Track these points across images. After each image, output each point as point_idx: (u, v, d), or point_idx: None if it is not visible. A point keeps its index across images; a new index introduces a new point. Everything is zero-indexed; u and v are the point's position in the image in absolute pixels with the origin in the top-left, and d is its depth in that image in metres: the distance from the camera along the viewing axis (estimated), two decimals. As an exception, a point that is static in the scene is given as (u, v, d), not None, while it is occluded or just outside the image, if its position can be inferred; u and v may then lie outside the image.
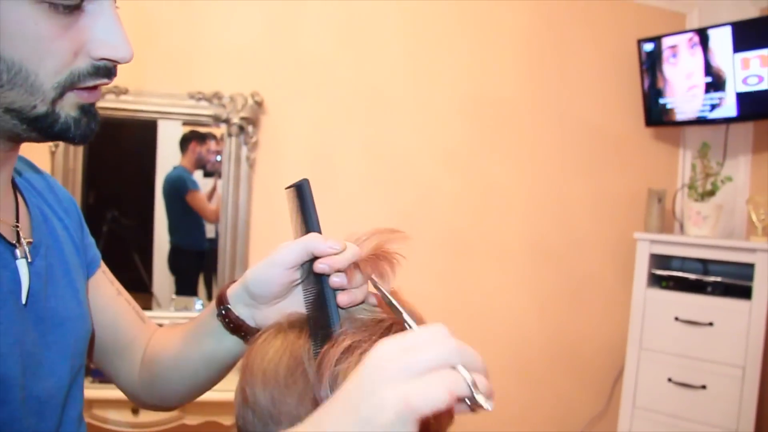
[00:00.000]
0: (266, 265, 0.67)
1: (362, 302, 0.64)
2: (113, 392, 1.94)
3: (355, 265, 0.63)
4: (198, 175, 2.43)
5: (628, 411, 2.41)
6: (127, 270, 2.40)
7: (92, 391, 1.99)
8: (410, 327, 0.55)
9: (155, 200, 2.41)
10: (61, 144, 2.18)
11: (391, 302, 0.59)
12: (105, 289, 0.84)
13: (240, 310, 0.72)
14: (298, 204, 0.68)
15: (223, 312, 0.72)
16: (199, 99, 2.29)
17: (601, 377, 2.68)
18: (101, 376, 2.00)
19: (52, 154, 2.19)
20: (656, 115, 2.52)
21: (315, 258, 0.64)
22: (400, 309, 0.57)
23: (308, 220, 0.67)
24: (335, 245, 0.62)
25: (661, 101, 2.49)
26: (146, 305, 2.41)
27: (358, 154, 2.46)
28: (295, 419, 0.58)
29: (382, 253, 0.65)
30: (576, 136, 2.62)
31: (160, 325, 0.91)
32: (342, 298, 0.62)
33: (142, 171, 2.43)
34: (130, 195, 2.52)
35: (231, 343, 0.74)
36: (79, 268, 0.78)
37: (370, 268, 0.63)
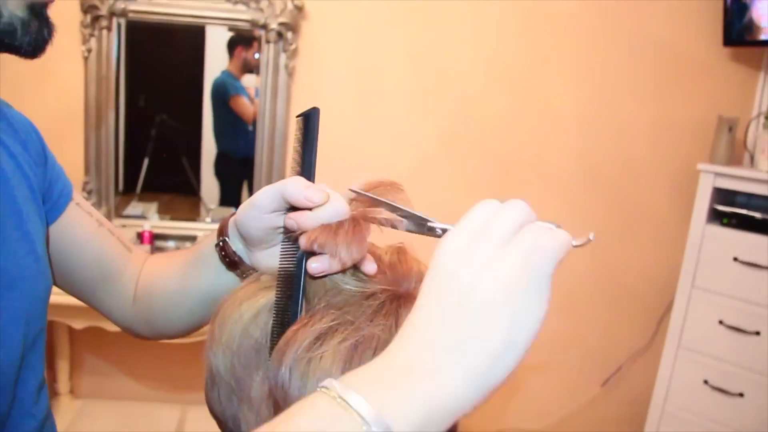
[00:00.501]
0: (248, 205, 0.59)
1: (344, 271, 0.52)
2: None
3: (336, 228, 0.51)
4: (250, 79, 2.38)
5: (673, 350, 2.30)
6: (176, 173, 2.48)
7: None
8: (436, 227, 0.47)
9: (203, 105, 2.42)
10: (94, 49, 2.11)
11: (394, 206, 0.49)
12: (83, 222, 0.77)
13: (237, 245, 0.64)
14: (301, 137, 0.57)
15: (221, 244, 0.65)
16: (236, 2, 2.17)
17: (648, 313, 2.56)
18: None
19: (85, 59, 2.13)
20: (737, 33, 2.25)
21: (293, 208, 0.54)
22: (413, 211, 0.48)
23: (303, 159, 0.57)
24: (314, 196, 0.52)
25: (746, 17, 2.21)
26: (194, 209, 2.49)
27: (403, 65, 2.32)
28: (256, 404, 0.51)
29: (367, 219, 0.52)
30: (642, 52, 2.38)
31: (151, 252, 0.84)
32: (312, 266, 0.50)
33: (191, 76, 2.44)
34: (179, 99, 2.54)
35: (229, 280, 0.66)
36: (36, 216, 0.69)
37: (344, 237, 0.50)
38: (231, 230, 0.64)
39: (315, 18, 2.24)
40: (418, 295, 0.40)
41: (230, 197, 2.53)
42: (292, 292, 0.51)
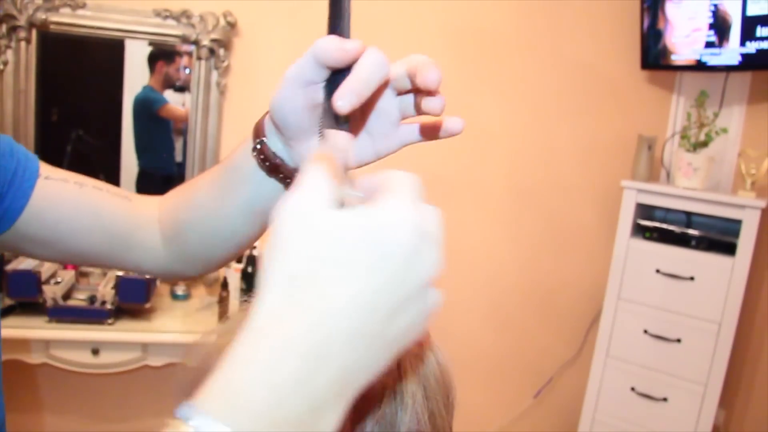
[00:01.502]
0: (280, 87, 0.51)
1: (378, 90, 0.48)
2: (72, 333, 1.88)
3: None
4: (168, 94, 2.31)
5: (601, 359, 2.39)
6: (93, 193, 2.30)
7: (49, 331, 1.89)
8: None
9: (123, 121, 2.31)
10: (11, 61, 1.99)
11: None
12: (61, 192, 0.68)
13: (277, 144, 0.57)
14: None
15: (258, 147, 0.57)
16: (166, 17, 2.10)
17: (576, 324, 2.65)
18: (58, 316, 1.90)
19: (1, 72, 2.00)
20: (653, 57, 2.39)
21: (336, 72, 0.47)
22: None
23: (332, 18, 0.49)
24: (349, 44, 0.46)
25: (660, 43, 2.36)
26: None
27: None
28: None
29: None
30: (567, 74, 2.49)
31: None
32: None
33: (109, 90, 2.33)
34: (96, 114, 2.42)
35: (270, 188, 0.59)
36: None
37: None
38: (268, 127, 0.57)
39: (248, 35, 2.20)
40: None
41: (154, 216, 2.43)
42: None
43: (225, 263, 0.73)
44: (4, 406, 0.66)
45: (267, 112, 0.57)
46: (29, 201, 0.66)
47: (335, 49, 0.46)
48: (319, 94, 0.49)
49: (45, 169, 0.69)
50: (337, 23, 0.48)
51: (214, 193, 0.65)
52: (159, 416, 2.36)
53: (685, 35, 2.29)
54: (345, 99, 0.43)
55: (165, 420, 0.32)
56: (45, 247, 0.69)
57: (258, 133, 0.58)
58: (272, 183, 0.59)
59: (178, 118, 2.33)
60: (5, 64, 1.99)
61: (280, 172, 0.58)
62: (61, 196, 0.68)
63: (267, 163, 0.57)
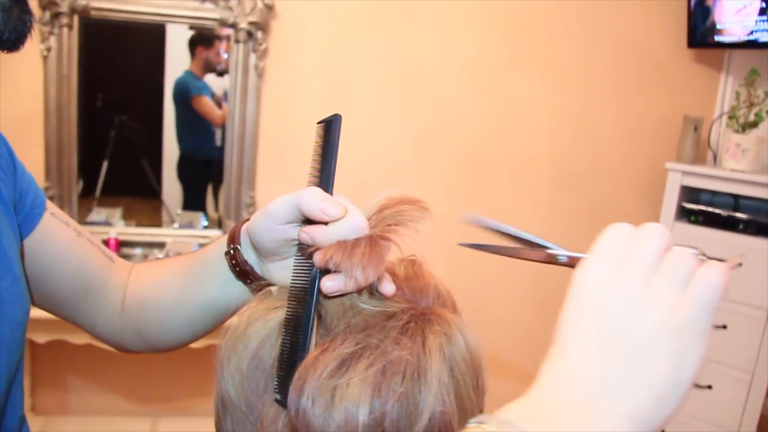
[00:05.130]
0: (261, 214, 0.55)
1: (359, 291, 0.48)
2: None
3: (353, 246, 0.47)
4: (211, 78, 2.31)
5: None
6: (136, 176, 2.39)
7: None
8: (559, 254, 0.45)
9: (164, 106, 2.33)
10: (54, 47, 2.01)
11: (509, 233, 0.46)
12: (61, 233, 0.70)
13: (249, 254, 0.60)
14: (321, 144, 0.54)
15: (232, 252, 0.60)
16: (204, 0, 2.10)
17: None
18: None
19: (44, 58, 2.03)
20: (701, 35, 2.31)
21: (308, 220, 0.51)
22: (536, 239, 0.45)
23: (322, 169, 0.53)
24: (330, 209, 0.48)
25: (708, 20, 2.27)
26: (156, 213, 2.40)
27: (375, 65, 2.29)
28: (268, 430, 0.47)
29: (385, 238, 0.49)
30: (610, 54, 2.42)
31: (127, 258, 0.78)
32: (327, 284, 0.47)
33: (152, 75, 2.35)
34: (139, 100, 2.45)
35: (236, 290, 0.62)
36: (10, 231, 0.62)
37: (360, 258, 0.46)
38: (243, 238, 0.60)
39: (286, 17, 2.19)
40: (559, 327, 0.38)
41: (193, 200, 2.45)
42: (305, 310, 0.48)
43: (173, 348, 0.74)
44: (23, 402, 0.67)
45: (245, 220, 0.60)
46: (34, 230, 0.68)
47: (318, 210, 0.49)
48: (295, 231, 0.53)
49: (51, 205, 0.71)
50: (324, 178, 0.53)
51: (182, 281, 0.67)
52: (199, 396, 2.40)
53: (735, 11, 2.21)
54: (319, 254, 0.47)
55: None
56: None
57: (233, 238, 0.60)
58: (239, 285, 0.61)
59: (208, 114, 2.35)
60: (49, 50, 2.02)
61: (248, 278, 0.60)
62: (59, 237, 0.70)
63: (237, 268, 0.60)
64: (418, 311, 0.48)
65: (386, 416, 0.42)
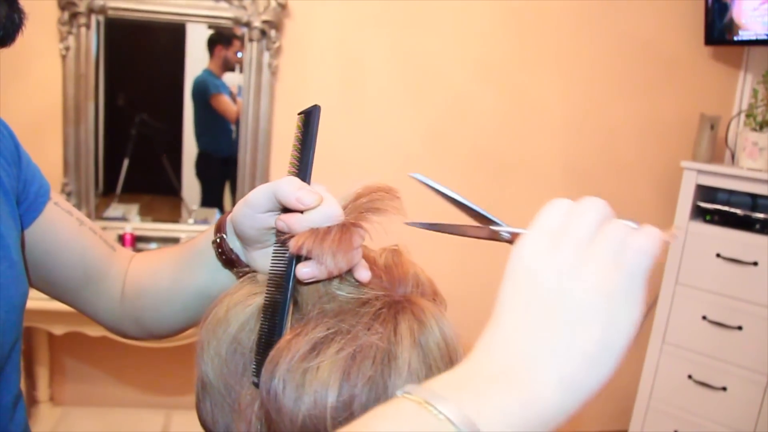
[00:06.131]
0: (243, 203, 0.57)
1: (336, 277, 0.50)
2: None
3: (324, 234, 0.49)
4: (231, 77, 2.34)
5: (657, 346, 2.32)
6: (157, 174, 2.43)
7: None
8: (501, 230, 0.45)
9: (184, 104, 2.37)
10: (72, 47, 2.06)
11: (460, 203, 0.47)
12: (64, 222, 0.73)
13: (234, 243, 0.62)
14: (300, 135, 0.55)
15: (218, 241, 0.63)
16: (219, 0, 2.13)
17: (631, 309, 2.58)
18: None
19: (63, 57, 2.08)
20: (718, 32, 2.28)
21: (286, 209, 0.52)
22: (477, 208, 0.46)
23: (300, 159, 0.55)
24: (306, 198, 0.50)
25: (726, 17, 2.24)
26: (175, 210, 2.44)
27: (389, 63, 2.30)
28: (247, 414, 0.48)
29: (357, 225, 0.50)
30: (625, 52, 2.40)
31: (134, 250, 0.81)
32: (302, 270, 0.49)
33: (172, 74, 2.39)
34: (159, 98, 2.49)
35: (225, 278, 0.64)
36: (10, 218, 0.65)
37: (330, 244, 0.48)
38: (228, 227, 0.62)
39: (299, 16, 2.21)
40: (496, 300, 0.39)
41: (212, 198, 2.49)
42: (282, 296, 0.49)
43: (170, 335, 0.76)
44: (20, 381, 0.69)
45: (230, 211, 0.61)
46: (37, 218, 0.70)
47: (294, 198, 0.51)
48: (274, 219, 0.55)
49: (55, 195, 0.74)
50: (302, 168, 0.54)
51: (175, 269, 0.70)
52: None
53: (753, 8, 2.17)
54: (293, 241, 0.49)
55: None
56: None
57: (219, 228, 0.62)
58: (227, 273, 0.64)
59: (227, 113, 2.37)
60: (67, 49, 2.06)
61: (234, 266, 0.63)
62: (62, 226, 0.73)
63: (223, 257, 0.62)
64: (392, 298, 0.49)
65: (355, 399, 0.43)
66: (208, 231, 0.65)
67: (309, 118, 0.55)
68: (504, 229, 0.45)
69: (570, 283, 0.36)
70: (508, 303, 0.38)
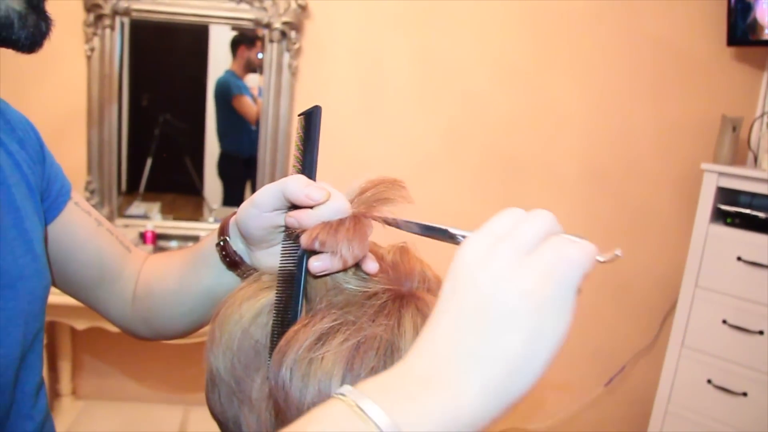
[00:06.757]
0: (248, 204, 0.59)
1: (345, 270, 0.52)
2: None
3: (337, 225, 0.50)
4: (253, 78, 2.37)
5: (676, 349, 2.30)
6: (179, 173, 2.47)
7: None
8: (457, 234, 0.46)
9: (207, 105, 2.41)
10: (97, 48, 2.10)
11: (421, 225, 0.48)
12: (82, 221, 0.76)
13: (238, 245, 0.63)
14: (302, 135, 0.58)
15: (221, 243, 0.65)
16: (240, 1, 2.16)
17: (651, 312, 2.56)
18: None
19: (88, 58, 2.12)
20: (741, 32, 2.25)
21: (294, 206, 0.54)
22: (438, 225, 0.47)
23: (304, 157, 0.57)
24: (315, 194, 0.52)
25: (750, 17, 2.21)
26: (197, 209, 2.48)
27: (408, 64, 2.31)
28: (256, 405, 0.50)
29: (368, 216, 0.52)
30: (647, 52, 2.38)
31: (146, 251, 0.84)
32: (314, 264, 0.50)
33: (195, 75, 2.43)
34: (182, 99, 2.53)
35: (230, 280, 0.66)
36: (35, 214, 0.68)
37: (344, 234, 0.50)
38: (232, 229, 0.64)
39: (319, 17, 2.23)
40: (437, 300, 0.39)
41: (233, 197, 2.53)
42: (293, 291, 0.51)
43: (178, 336, 0.79)
44: (42, 370, 0.72)
45: (233, 213, 0.63)
46: (57, 217, 0.73)
47: (303, 195, 0.52)
48: (281, 218, 0.57)
49: (75, 194, 0.76)
50: (307, 166, 0.56)
51: (182, 271, 0.72)
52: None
53: (777, 8, 2.14)
54: (305, 235, 0.50)
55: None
56: None
57: (223, 231, 0.64)
58: (231, 276, 0.65)
59: (248, 114, 2.40)
60: (92, 50, 2.11)
61: (239, 268, 0.64)
62: (80, 225, 0.75)
63: (227, 259, 0.64)
64: (398, 293, 0.50)
65: None
66: (213, 233, 0.67)
67: (311, 118, 0.57)
68: (459, 233, 0.46)
69: (503, 288, 0.36)
70: (445, 304, 0.38)
